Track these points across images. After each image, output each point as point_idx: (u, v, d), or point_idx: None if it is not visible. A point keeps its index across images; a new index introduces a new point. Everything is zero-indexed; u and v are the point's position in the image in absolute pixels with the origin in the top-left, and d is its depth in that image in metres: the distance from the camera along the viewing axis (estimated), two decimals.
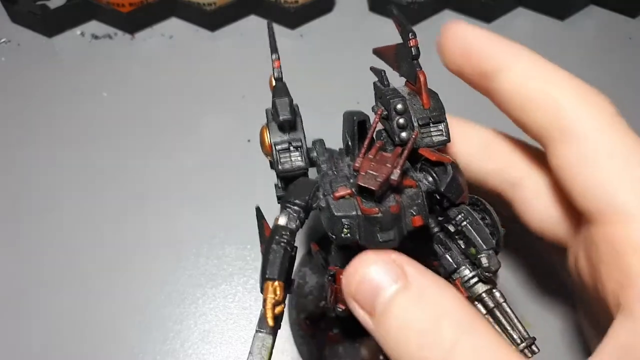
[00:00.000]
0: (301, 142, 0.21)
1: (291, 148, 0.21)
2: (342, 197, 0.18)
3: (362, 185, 0.17)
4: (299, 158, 0.20)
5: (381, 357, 0.26)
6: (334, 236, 0.18)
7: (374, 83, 0.21)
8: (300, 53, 0.44)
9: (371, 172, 0.17)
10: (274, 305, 0.18)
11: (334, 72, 0.42)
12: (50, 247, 0.32)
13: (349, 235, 0.17)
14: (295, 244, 0.19)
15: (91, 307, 0.30)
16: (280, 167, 0.20)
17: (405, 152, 0.17)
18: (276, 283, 0.18)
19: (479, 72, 0.20)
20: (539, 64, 0.19)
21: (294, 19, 0.45)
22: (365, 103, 0.38)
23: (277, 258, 0.18)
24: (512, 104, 0.20)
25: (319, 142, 0.22)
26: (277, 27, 0.46)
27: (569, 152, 0.18)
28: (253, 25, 0.46)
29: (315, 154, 0.21)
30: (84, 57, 0.43)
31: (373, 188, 0.17)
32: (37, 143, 0.37)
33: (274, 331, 0.18)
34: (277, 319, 0.18)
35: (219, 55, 0.44)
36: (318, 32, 0.45)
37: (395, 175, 0.17)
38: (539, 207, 0.22)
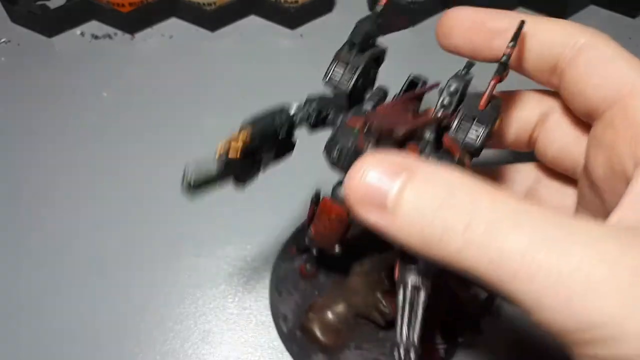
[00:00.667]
0: (357, 69, 0.21)
1: (347, 68, 0.21)
2: (352, 126, 0.18)
3: (367, 115, 0.17)
4: (346, 81, 0.21)
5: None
6: (325, 154, 0.18)
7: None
8: (300, 53, 0.44)
9: (387, 115, 0.17)
10: (229, 142, 0.19)
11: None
12: (50, 247, 0.32)
13: (335, 160, 0.18)
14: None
15: (90, 307, 0.30)
16: (327, 77, 0.22)
17: (424, 118, 0.17)
18: (246, 129, 0.19)
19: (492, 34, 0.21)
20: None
21: (294, 19, 0.45)
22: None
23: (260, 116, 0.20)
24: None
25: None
26: (277, 27, 0.46)
27: (580, 60, 0.20)
28: (253, 25, 0.46)
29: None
30: (84, 57, 0.43)
31: (373, 123, 0.17)
32: (37, 143, 0.37)
33: (219, 168, 0.19)
34: (227, 162, 0.20)
35: (219, 55, 0.44)
36: (318, 32, 0.45)
37: (400, 131, 0.17)
38: (556, 135, 0.23)
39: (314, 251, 0.27)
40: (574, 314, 0.14)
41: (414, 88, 0.21)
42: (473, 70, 0.20)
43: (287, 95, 0.41)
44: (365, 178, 0.16)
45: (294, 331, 0.27)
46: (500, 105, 0.19)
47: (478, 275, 0.15)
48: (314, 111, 0.21)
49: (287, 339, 0.27)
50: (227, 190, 0.35)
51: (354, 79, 0.21)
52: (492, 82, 0.19)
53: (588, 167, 0.21)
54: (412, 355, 0.18)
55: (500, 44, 0.20)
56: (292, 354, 0.27)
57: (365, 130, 0.18)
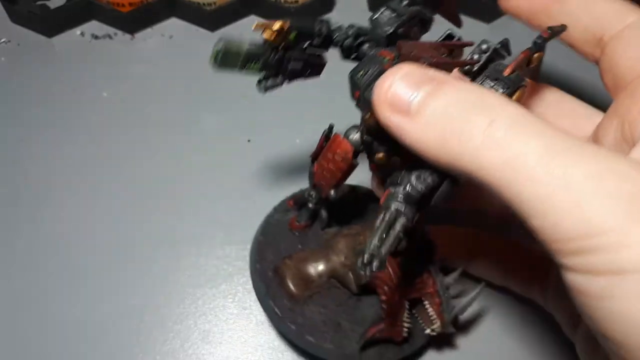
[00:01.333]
0: (402, 17, 0.22)
1: (394, 14, 0.22)
2: (383, 56, 0.20)
3: (399, 44, 0.19)
4: (389, 24, 0.22)
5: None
6: (349, 78, 0.20)
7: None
8: None
9: (418, 48, 0.19)
10: (267, 25, 0.21)
11: (334, 72, 0.42)
12: (50, 247, 0.32)
13: (358, 80, 0.20)
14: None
15: (90, 306, 0.30)
16: (374, 17, 0.23)
17: (451, 60, 0.19)
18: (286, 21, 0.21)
19: None
20: None
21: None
22: None
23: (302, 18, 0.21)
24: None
25: None
26: None
27: (623, 35, 0.21)
28: (253, 25, 0.46)
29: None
30: (84, 57, 0.43)
31: (402, 47, 0.18)
32: (37, 143, 0.37)
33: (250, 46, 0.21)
34: (261, 45, 0.21)
35: None
36: None
37: (426, 61, 0.18)
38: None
39: (310, 204, 0.27)
40: (581, 219, 0.14)
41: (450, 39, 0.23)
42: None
43: (287, 95, 0.41)
44: (395, 81, 0.17)
45: (266, 271, 0.27)
46: (524, 81, 0.19)
47: (486, 178, 0.15)
48: (353, 34, 0.23)
49: (258, 276, 0.27)
50: (227, 190, 0.35)
51: (397, 24, 0.22)
52: (522, 55, 0.19)
53: (599, 132, 0.21)
54: (375, 263, 0.18)
55: (558, 11, 0.22)
56: (257, 292, 0.27)
57: (395, 57, 0.19)
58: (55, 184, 0.35)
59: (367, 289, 0.26)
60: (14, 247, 0.32)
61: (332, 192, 0.26)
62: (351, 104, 0.37)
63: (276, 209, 0.30)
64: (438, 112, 0.16)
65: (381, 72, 0.19)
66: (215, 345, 0.28)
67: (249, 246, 0.32)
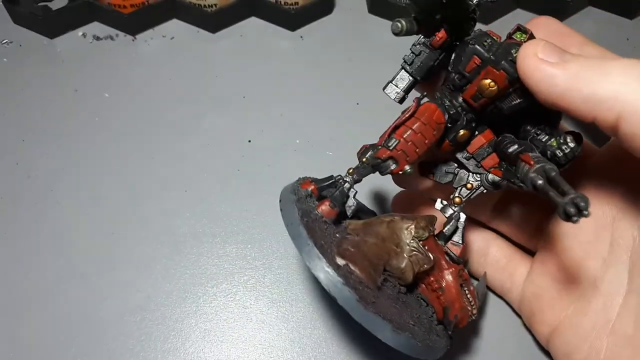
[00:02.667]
0: None
1: None
2: (495, 37, 0.23)
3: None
4: None
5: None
6: (473, 46, 0.23)
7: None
8: (301, 54, 0.44)
9: None
10: None
11: (334, 73, 0.42)
12: (51, 246, 0.32)
13: (481, 50, 0.22)
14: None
15: (92, 305, 0.30)
16: None
17: None
18: None
19: None
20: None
21: (294, 21, 0.46)
22: (365, 103, 0.38)
23: None
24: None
25: None
26: (277, 29, 0.46)
27: None
28: (254, 26, 0.47)
29: None
30: (86, 58, 0.43)
31: None
32: (39, 143, 0.37)
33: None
34: None
35: (220, 56, 0.44)
36: (318, 34, 0.46)
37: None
38: None
39: (354, 177, 0.25)
40: None
41: None
42: None
43: (287, 95, 0.41)
44: (542, 43, 0.20)
45: (330, 255, 0.23)
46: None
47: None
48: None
49: (325, 258, 0.22)
50: (227, 190, 0.35)
51: None
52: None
53: None
54: (583, 204, 0.17)
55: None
56: (325, 276, 0.22)
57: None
58: (56, 184, 0.35)
59: (417, 278, 0.25)
60: (15, 246, 0.32)
61: (408, 167, 0.24)
62: (351, 107, 0.37)
63: (297, 194, 0.25)
64: (592, 58, 0.20)
65: (510, 46, 0.22)
66: (215, 344, 0.29)
67: (249, 245, 0.32)
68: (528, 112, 0.23)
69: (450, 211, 0.25)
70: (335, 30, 0.46)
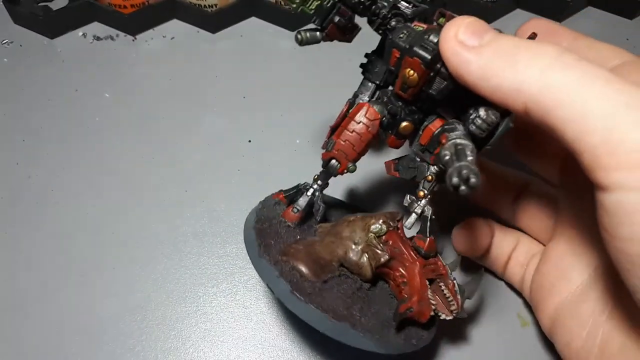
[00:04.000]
0: None
1: None
2: (417, 26, 0.22)
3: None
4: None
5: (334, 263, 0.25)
6: (390, 41, 0.23)
7: None
8: (300, 54, 0.44)
9: None
10: None
11: (334, 73, 0.42)
12: (51, 246, 0.32)
13: (397, 42, 0.22)
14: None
15: (92, 305, 0.30)
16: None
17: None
18: None
19: None
20: None
21: (295, 21, 0.46)
22: None
23: None
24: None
25: None
26: (277, 29, 0.46)
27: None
28: (254, 26, 0.47)
29: None
30: (86, 58, 0.43)
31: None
32: (39, 143, 0.37)
33: None
34: None
35: (220, 56, 0.44)
36: None
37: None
38: None
39: (313, 186, 0.27)
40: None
41: None
42: None
43: (287, 95, 0.41)
44: (463, 25, 0.20)
45: (274, 255, 0.25)
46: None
47: (549, 99, 0.18)
48: (389, 6, 0.24)
49: (265, 260, 0.24)
50: (227, 190, 0.35)
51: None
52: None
53: None
54: (473, 178, 0.17)
55: (570, 45, 0.24)
56: (267, 276, 0.24)
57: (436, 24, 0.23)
58: (56, 184, 0.35)
59: (378, 275, 0.25)
60: (15, 246, 0.32)
61: (351, 164, 0.25)
62: None
63: (263, 203, 0.28)
64: (506, 45, 0.19)
65: (425, 32, 0.21)
66: (216, 344, 0.29)
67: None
68: (468, 95, 0.22)
69: (415, 206, 0.25)
70: None
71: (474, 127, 0.21)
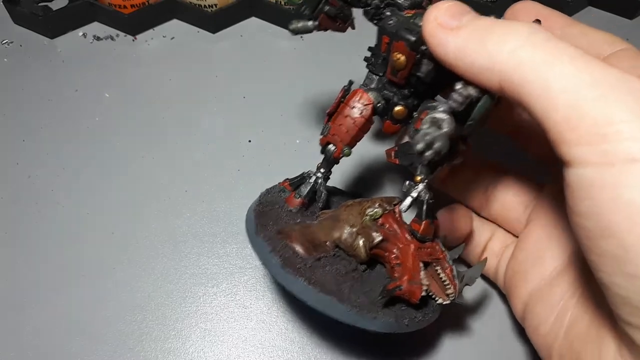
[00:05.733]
0: None
1: None
2: (407, 14, 0.23)
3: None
4: None
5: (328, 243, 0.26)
6: (380, 27, 0.24)
7: None
8: (301, 54, 0.44)
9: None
10: None
11: (334, 73, 0.42)
12: (51, 246, 0.32)
13: (387, 28, 0.23)
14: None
15: (92, 305, 0.30)
16: None
17: None
18: None
19: None
20: None
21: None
22: None
23: None
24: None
25: None
26: (277, 29, 0.46)
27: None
28: (254, 26, 0.47)
29: None
30: (86, 58, 0.43)
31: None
32: (39, 143, 0.37)
33: None
34: None
35: (220, 56, 0.44)
36: (318, 34, 0.45)
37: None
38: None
39: (317, 173, 0.28)
40: (602, 110, 0.17)
41: None
42: None
43: (287, 95, 0.41)
44: (442, 8, 0.21)
45: (270, 232, 0.25)
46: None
47: (520, 77, 0.18)
48: None
49: (261, 237, 0.25)
50: (227, 190, 0.35)
51: None
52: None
53: None
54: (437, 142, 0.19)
55: (564, 34, 0.25)
56: (260, 252, 0.25)
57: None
58: (56, 184, 0.35)
59: (373, 257, 0.26)
60: (15, 246, 0.32)
61: (346, 149, 0.26)
62: None
63: (269, 190, 0.29)
64: (481, 25, 0.20)
65: (411, 17, 0.22)
66: (216, 344, 0.29)
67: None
68: (453, 77, 0.23)
69: (412, 190, 0.25)
70: None
71: (451, 100, 0.21)
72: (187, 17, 0.46)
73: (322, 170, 0.28)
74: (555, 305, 0.24)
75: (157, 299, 0.30)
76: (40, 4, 0.45)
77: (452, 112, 0.21)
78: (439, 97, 0.25)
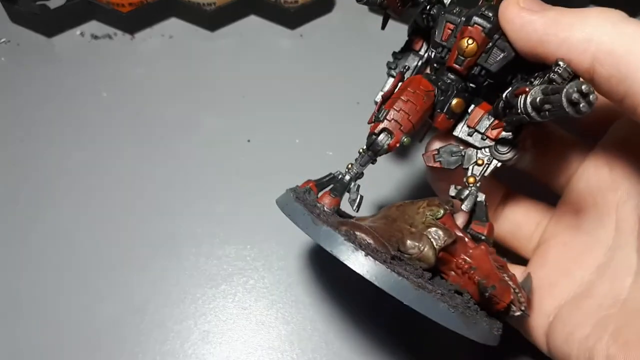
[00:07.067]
0: None
1: None
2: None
3: None
4: None
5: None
6: (443, 14, 0.24)
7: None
8: (300, 53, 0.44)
9: None
10: None
11: (334, 72, 0.42)
12: (50, 247, 0.32)
13: (452, 16, 0.23)
14: None
15: (91, 307, 0.30)
16: None
17: None
18: None
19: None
20: None
21: (294, 19, 0.45)
22: (365, 103, 0.38)
23: None
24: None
25: None
26: (276, 27, 0.46)
27: None
28: (253, 25, 0.46)
29: None
30: (84, 57, 0.43)
31: None
32: (37, 143, 0.37)
33: None
34: None
35: (219, 55, 0.44)
36: (318, 32, 0.45)
37: None
38: None
39: (358, 165, 0.24)
40: None
41: None
42: None
43: (287, 94, 0.41)
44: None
45: (332, 223, 0.21)
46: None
47: (617, 58, 0.19)
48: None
49: (327, 227, 0.21)
50: (227, 190, 0.35)
51: None
52: None
53: None
54: (593, 95, 0.17)
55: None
56: (333, 244, 0.20)
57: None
58: (55, 184, 0.35)
59: (438, 263, 0.22)
60: (13, 247, 0.32)
61: (405, 138, 0.23)
62: (352, 106, 0.37)
63: (293, 190, 0.25)
64: (566, 9, 0.20)
65: (478, 8, 0.22)
66: (215, 346, 0.28)
67: (248, 246, 0.32)
68: (518, 71, 0.23)
69: (466, 192, 0.24)
70: (336, 29, 0.46)
71: (555, 75, 0.20)
72: (186, 16, 0.46)
73: (355, 169, 0.25)
74: (595, 312, 0.23)
75: (156, 301, 0.30)
76: (37, 3, 0.45)
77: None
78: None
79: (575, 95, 0.17)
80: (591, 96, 0.17)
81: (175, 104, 0.40)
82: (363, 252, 0.19)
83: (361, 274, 0.19)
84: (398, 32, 0.29)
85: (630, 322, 0.22)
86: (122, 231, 0.33)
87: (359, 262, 0.19)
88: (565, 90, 0.17)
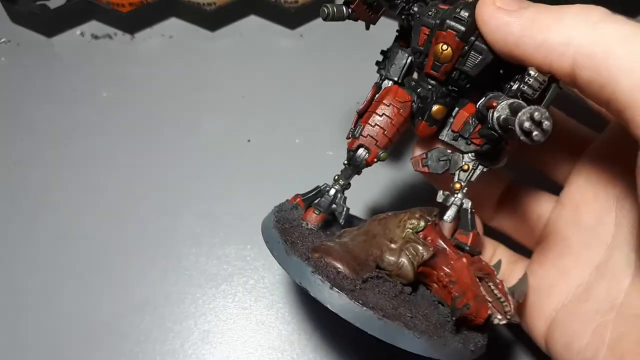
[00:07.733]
0: None
1: None
2: (443, 7, 0.22)
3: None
4: None
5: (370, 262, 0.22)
6: (418, 18, 0.23)
7: None
8: (300, 53, 0.44)
9: None
10: None
11: (334, 71, 0.42)
12: (49, 247, 0.32)
13: (427, 20, 0.22)
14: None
15: (91, 307, 0.30)
16: None
17: None
18: None
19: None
20: None
21: (294, 19, 0.45)
22: None
23: None
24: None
25: None
26: (276, 27, 0.46)
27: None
28: (253, 25, 0.46)
29: None
30: (84, 57, 0.43)
31: None
32: (37, 142, 0.37)
33: None
34: None
35: (219, 55, 0.44)
36: (318, 32, 0.45)
37: None
38: None
39: (340, 181, 0.25)
40: None
41: None
42: None
43: (287, 94, 0.41)
44: None
45: (303, 252, 0.22)
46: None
47: (598, 61, 0.18)
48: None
49: (295, 256, 0.21)
50: (227, 190, 0.35)
51: None
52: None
53: None
54: (547, 122, 0.16)
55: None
56: (298, 273, 0.21)
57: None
58: (55, 184, 0.35)
59: (418, 279, 0.23)
60: (14, 247, 0.32)
61: (382, 152, 0.23)
62: (351, 106, 0.37)
63: (280, 207, 0.26)
64: (546, 6, 0.19)
65: (454, 9, 0.21)
66: (215, 346, 0.28)
67: (249, 246, 0.32)
68: (503, 73, 0.22)
69: (452, 199, 0.24)
70: (335, 29, 0.46)
71: (525, 86, 0.19)
72: (186, 16, 0.46)
73: (340, 182, 0.25)
74: (591, 319, 0.23)
75: (156, 301, 0.30)
76: (37, 3, 0.45)
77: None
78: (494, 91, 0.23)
79: (527, 125, 0.17)
80: (544, 124, 0.16)
81: (175, 104, 0.40)
82: (329, 285, 0.20)
83: (328, 306, 0.20)
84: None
85: (626, 331, 0.22)
86: (121, 231, 0.33)
87: (323, 297, 0.20)
88: (517, 118, 0.17)
